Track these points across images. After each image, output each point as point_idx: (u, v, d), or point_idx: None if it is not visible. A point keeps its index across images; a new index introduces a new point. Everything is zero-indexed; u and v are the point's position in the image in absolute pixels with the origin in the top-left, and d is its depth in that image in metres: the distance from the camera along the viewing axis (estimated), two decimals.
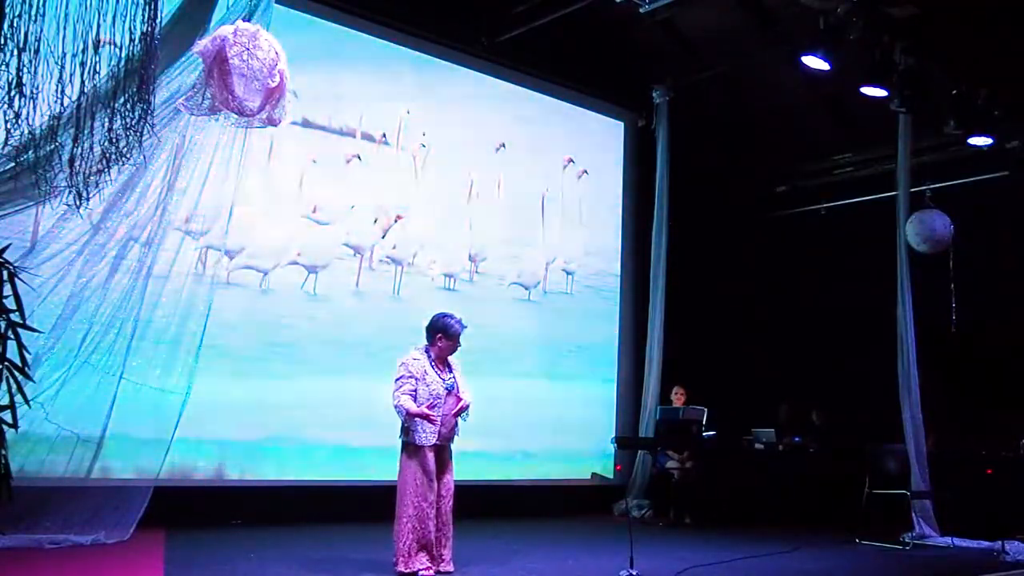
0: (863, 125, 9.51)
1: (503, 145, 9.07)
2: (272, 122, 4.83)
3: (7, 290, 4.56)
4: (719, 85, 9.65)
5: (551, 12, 8.28)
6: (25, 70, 3.97)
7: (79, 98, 4.22)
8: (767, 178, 11.04)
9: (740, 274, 10.41)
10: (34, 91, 4.02)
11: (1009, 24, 7.58)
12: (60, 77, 4.07)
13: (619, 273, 10.03)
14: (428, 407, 5.16)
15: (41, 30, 4.01)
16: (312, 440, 7.49)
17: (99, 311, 5.51)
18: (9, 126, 4.11)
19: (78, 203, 4.49)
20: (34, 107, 4.05)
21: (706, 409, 8.86)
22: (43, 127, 4.29)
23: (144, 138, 4.46)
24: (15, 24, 3.93)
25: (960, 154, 8.90)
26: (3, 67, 3.93)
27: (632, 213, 10.15)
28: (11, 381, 4.50)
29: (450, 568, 5.24)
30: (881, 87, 7.75)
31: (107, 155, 4.41)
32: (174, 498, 6.30)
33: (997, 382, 8.60)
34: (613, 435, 9.38)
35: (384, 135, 8.26)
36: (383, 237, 8.18)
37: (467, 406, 5.34)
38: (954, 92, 8.12)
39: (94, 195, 4.65)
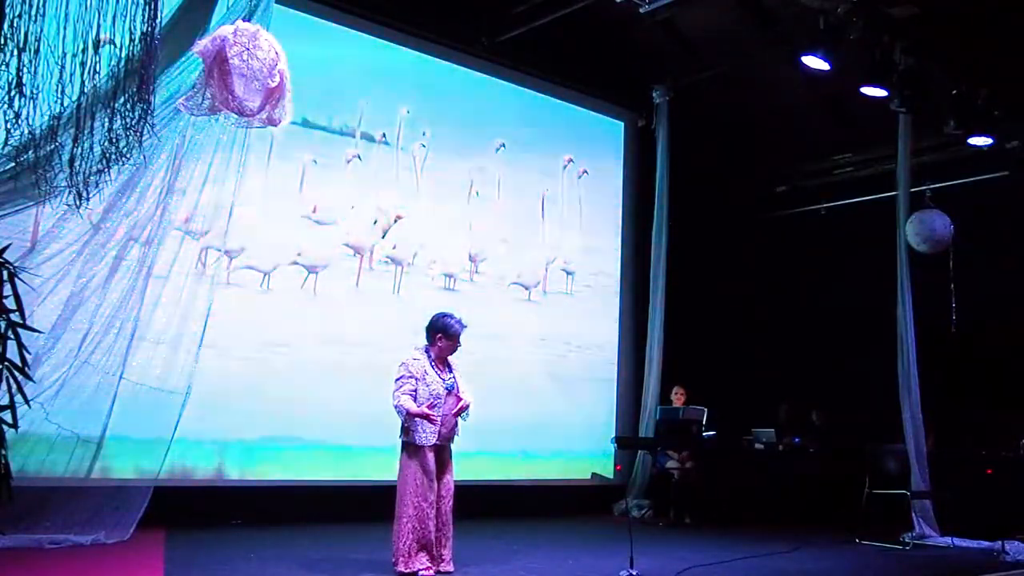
0: (863, 125, 9.50)
1: (503, 145, 9.08)
2: (272, 122, 4.83)
3: (7, 290, 4.54)
4: (719, 85, 9.64)
5: (551, 12, 8.28)
6: (25, 70, 3.97)
7: (79, 98, 4.22)
8: (767, 178, 11.05)
9: (740, 274, 10.41)
10: (34, 91, 4.02)
11: (1009, 24, 7.58)
12: (60, 77, 4.08)
13: (619, 273, 10.02)
14: (428, 407, 5.17)
15: (41, 30, 4.01)
16: (312, 440, 7.49)
17: (99, 311, 5.49)
18: (9, 126, 4.11)
19: (78, 203, 4.49)
20: (34, 107, 4.05)
21: (706, 409, 8.86)
22: (43, 127, 4.28)
23: (144, 138, 4.47)
24: (15, 24, 3.94)
25: (960, 154, 8.90)
26: (3, 67, 3.93)
27: (632, 213, 10.14)
28: (11, 381, 4.48)
29: (450, 568, 5.25)
30: (881, 87, 7.76)
31: (107, 155, 4.41)
32: (174, 498, 6.30)
33: (997, 382, 8.61)
34: (613, 435, 9.38)
35: (384, 135, 8.26)
36: (383, 237, 8.18)
37: (467, 406, 5.34)
38: (954, 92, 8.13)
39: (94, 195, 4.64)
